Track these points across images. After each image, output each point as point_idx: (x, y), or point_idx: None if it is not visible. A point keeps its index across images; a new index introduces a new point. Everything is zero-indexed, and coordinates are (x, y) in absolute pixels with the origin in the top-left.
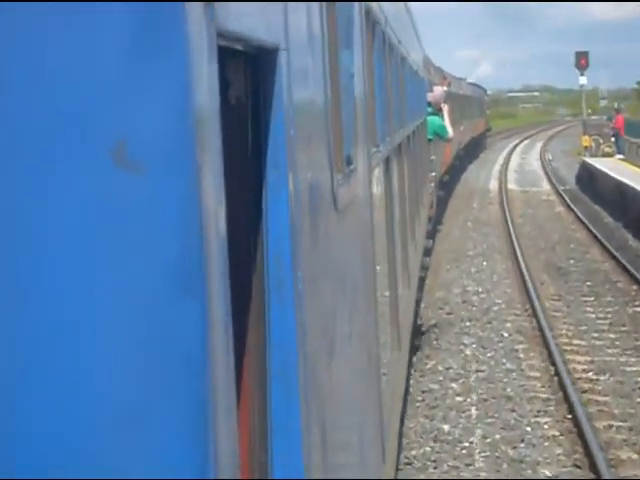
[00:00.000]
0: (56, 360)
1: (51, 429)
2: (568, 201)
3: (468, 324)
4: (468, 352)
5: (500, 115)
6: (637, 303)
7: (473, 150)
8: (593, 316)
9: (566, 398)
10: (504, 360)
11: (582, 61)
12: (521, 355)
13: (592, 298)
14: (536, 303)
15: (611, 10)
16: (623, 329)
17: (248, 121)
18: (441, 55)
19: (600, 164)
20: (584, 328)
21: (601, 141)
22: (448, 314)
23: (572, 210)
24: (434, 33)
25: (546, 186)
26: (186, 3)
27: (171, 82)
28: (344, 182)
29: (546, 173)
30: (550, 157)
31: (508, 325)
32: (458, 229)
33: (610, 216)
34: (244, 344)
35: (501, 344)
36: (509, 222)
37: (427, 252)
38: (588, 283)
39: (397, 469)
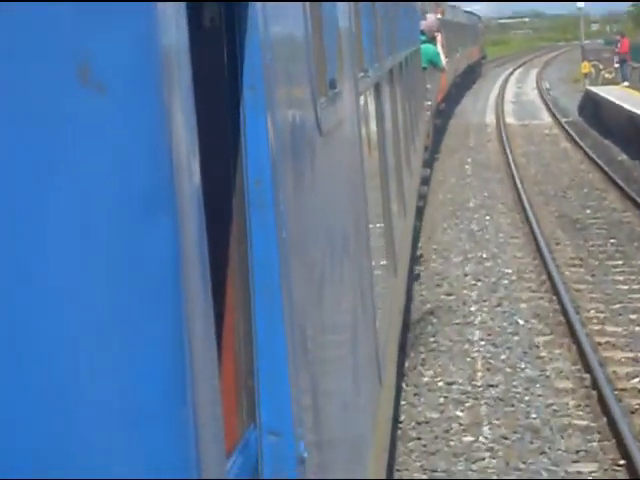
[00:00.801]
0: (17, 291)
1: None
2: (574, 135)
3: (472, 309)
4: (475, 354)
5: (492, 42)
6: None
7: (470, 77)
8: (625, 288)
9: (612, 427)
10: (522, 365)
11: None
12: (544, 354)
13: (620, 262)
14: (554, 272)
15: None
16: None
17: (223, 43)
18: None
19: (606, 93)
20: (617, 307)
21: (601, 67)
22: (447, 295)
23: (579, 146)
24: None
25: (547, 118)
26: None
27: (134, 3)
28: (328, 105)
29: (545, 103)
30: (547, 85)
31: (523, 307)
32: (454, 175)
33: (624, 152)
34: (226, 265)
35: (517, 338)
36: (511, 163)
37: (425, 181)
38: (612, 240)
39: (399, 399)
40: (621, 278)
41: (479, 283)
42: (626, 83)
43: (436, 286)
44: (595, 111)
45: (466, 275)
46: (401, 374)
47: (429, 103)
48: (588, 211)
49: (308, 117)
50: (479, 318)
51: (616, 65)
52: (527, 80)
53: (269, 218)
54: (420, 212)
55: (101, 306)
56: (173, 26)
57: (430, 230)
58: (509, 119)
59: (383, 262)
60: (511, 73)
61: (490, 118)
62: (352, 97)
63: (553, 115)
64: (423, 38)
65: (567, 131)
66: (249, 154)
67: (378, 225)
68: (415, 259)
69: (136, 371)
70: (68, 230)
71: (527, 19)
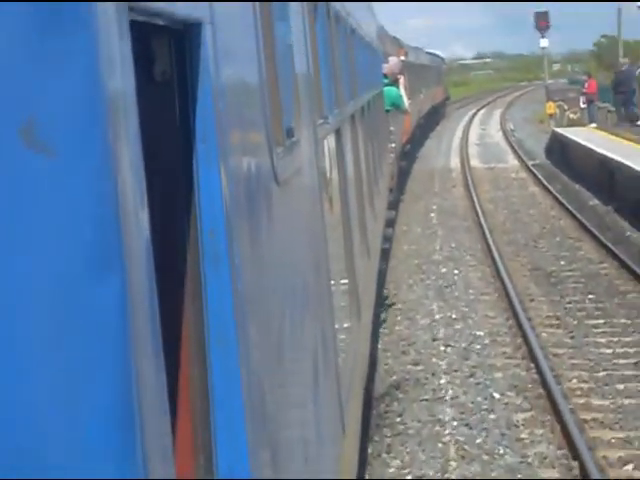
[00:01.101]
0: None
1: None
2: (542, 179)
3: (443, 381)
4: (447, 437)
5: (453, 83)
6: None
7: (434, 118)
8: (609, 352)
9: None
10: (501, 449)
11: (542, 22)
12: (524, 435)
13: (601, 320)
14: (530, 334)
15: None
16: None
17: (175, 96)
18: (395, 25)
19: (574, 135)
20: (602, 375)
21: (566, 107)
22: (414, 364)
23: (549, 191)
24: (385, 2)
25: (513, 161)
26: None
27: (77, 59)
28: (285, 155)
29: (511, 145)
30: (512, 127)
31: (498, 377)
32: (419, 223)
33: (596, 198)
34: (180, 318)
35: (493, 416)
36: (478, 210)
37: (389, 223)
38: (590, 296)
39: (365, 446)
40: (603, 340)
41: (449, 349)
42: (594, 124)
43: (402, 353)
44: (563, 153)
45: (434, 340)
46: (367, 421)
47: (393, 145)
48: (562, 262)
49: (264, 167)
50: (450, 392)
51: (582, 106)
52: (491, 121)
53: (223, 270)
54: (386, 255)
55: (51, 361)
56: (119, 79)
57: (395, 287)
58: (474, 162)
59: (346, 307)
60: (474, 114)
61: (455, 161)
62: (311, 145)
63: (519, 158)
64: (386, 81)
65: (535, 175)
66: (202, 205)
67: (340, 271)
68: (380, 310)
69: (85, 427)
70: (15, 290)
71: (488, 59)
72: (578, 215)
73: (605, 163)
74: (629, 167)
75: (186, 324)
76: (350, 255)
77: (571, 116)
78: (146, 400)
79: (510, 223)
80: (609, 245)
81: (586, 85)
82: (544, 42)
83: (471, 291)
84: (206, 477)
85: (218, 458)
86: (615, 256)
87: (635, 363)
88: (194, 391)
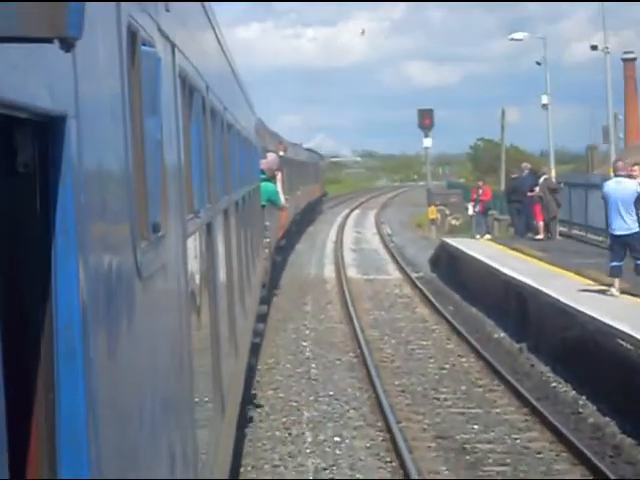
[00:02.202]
0: None
1: None
2: (431, 298)
3: None
4: None
5: (327, 180)
6: None
7: (310, 215)
8: None
9: None
10: None
11: (426, 120)
12: None
13: None
14: None
15: (429, 76)
16: None
17: (36, 188)
18: (270, 121)
19: (467, 247)
20: None
21: (447, 212)
22: None
23: (441, 314)
24: (260, 97)
25: (395, 272)
26: None
27: None
28: (150, 249)
29: (390, 253)
30: (389, 231)
31: None
32: (288, 356)
33: (501, 329)
34: (31, 415)
35: None
36: (360, 338)
37: (261, 318)
38: None
39: None
40: None
41: None
42: (488, 236)
43: None
44: (453, 267)
45: None
46: None
47: (268, 240)
48: (476, 427)
49: (126, 261)
50: None
51: (471, 213)
52: (366, 224)
53: (77, 365)
54: (256, 350)
55: None
56: None
57: (254, 465)
58: (351, 272)
59: (209, 405)
60: (348, 215)
61: (329, 270)
62: (178, 240)
63: (401, 269)
64: (263, 176)
65: (421, 291)
66: (59, 298)
67: (205, 368)
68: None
69: None
70: None
71: (359, 158)
72: (483, 352)
73: (513, 287)
74: (548, 295)
75: (36, 420)
76: (216, 352)
77: (453, 222)
78: None
79: (400, 359)
80: (533, 402)
81: (480, 192)
82: (427, 141)
83: (360, 477)
84: None
85: None
86: (544, 420)
87: None
88: None
